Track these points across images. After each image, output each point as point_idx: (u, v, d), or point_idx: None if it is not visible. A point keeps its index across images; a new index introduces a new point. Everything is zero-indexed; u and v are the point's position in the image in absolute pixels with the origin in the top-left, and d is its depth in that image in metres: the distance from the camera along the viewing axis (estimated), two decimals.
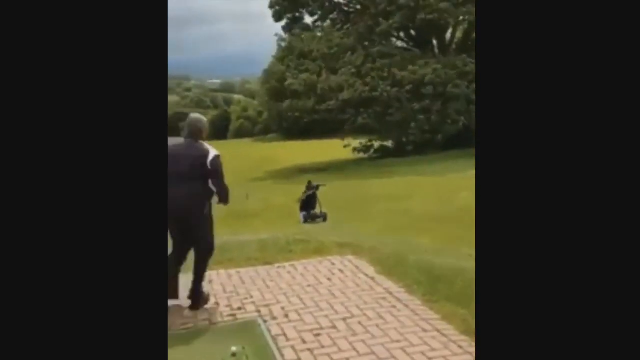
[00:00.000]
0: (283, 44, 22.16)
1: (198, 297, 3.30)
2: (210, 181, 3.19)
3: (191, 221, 3.20)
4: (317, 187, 7.56)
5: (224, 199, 3.35)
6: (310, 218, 7.05)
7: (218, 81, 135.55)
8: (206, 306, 3.40)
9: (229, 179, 3.37)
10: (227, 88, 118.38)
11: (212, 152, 3.22)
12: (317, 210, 7.09)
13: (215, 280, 3.94)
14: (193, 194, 3.15)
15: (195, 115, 3.50)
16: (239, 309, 3.35)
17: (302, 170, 20.13)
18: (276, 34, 22.35)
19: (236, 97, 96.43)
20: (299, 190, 14.07)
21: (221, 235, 6.14)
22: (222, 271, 4.15)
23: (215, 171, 3.18)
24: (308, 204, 7.46)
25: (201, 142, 3.28)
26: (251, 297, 3.55)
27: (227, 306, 3.40)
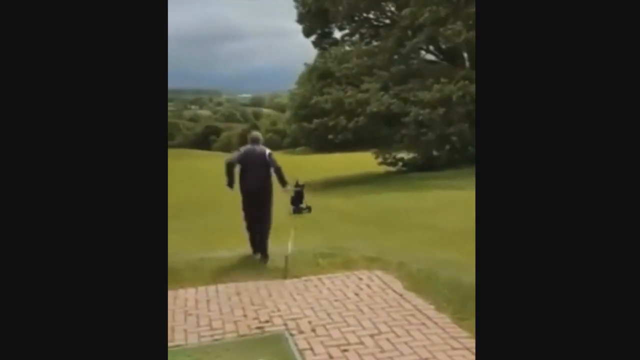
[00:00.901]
0: (313, 63, 22.38)
1: (265, 251, 4.94)
2: (271, 168, 4.87)
3: (264, 196, 4.90)
4: (303, 186, 9.67)
5: (282, 180, 5.08)
6: (298, 210, 8.80)
7: (248, 95, 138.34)
8: (233, 318, 3.43)
9: None
10: (257, 102, 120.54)
11: (268, 150, 5.01)
12: (304, 205, 9.11)
13: (243, 292, 3.98)
14: (263, 177, 4.86)
15: (255, 132, 5.66)
16: (267, 321, 3.36)
17: (330, 183, 20.14)
18: (305, 64, 22.61)
19: (265, 110, 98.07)
20: (325, 202, 14.07)
21: (247, 248, 6.20)
22: (250, 283, 4.19)
23: (273, 160, 4.87)
24: (297, 199, 9.28)
25: (260, 145, 5.05)
26: (278, 310, 3.56)
27: (254, 319, 3.42)
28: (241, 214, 5.06)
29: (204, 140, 74.85)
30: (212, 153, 60.07)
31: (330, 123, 19.23)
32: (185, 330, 3.25)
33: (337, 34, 21.95)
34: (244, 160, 4.86)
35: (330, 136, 20.23)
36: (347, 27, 21.10)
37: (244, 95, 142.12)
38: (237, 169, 4.92)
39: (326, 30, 21.79)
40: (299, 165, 29.87)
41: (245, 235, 5.15)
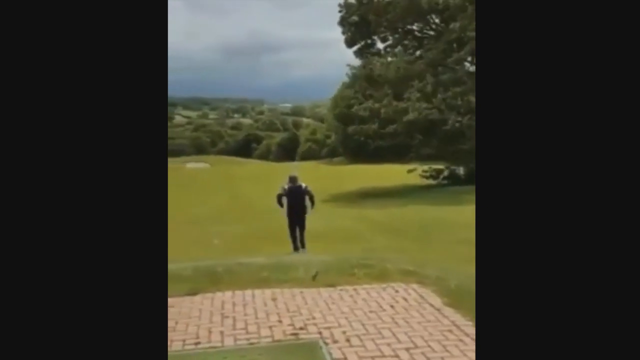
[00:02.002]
0: (354, 72, 22.52)
1: (304, 245, 7.97)
2: (307, 197, 7.92)
3: (303, 213, 7.92)
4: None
5: (313, 204, 8.10)
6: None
7: (289, 105, 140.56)
8: (269, 323, 3.48)
9: None
10: (298, 112, 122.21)
11: (304, 185, 8.00)
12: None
13: (280, 298, 4.02)
14: (301, 201, 7.90)
15: (294, 173, 8.36)
16: (301, 329, 3.38)
17: (367, 193, 20.04)
18: (348, 65, 22.75)
19: (305, 120, 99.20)
20: (362, 213, 14.01)
21: (284, 254, 6.25)
22: (286, 290, 4.23)
23: (308, 192, 7.93)
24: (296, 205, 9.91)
25: (299, 182, 7.97)
26: (313, 318, 3.57)
27: (289, 325, 3.45)
28: (286, 222, 8.12)
29: (246, 148, 76.58)
30: (252, 161, 61.37)
31: (365, 127, 19.24)
32: (221, 332, 3.33)
33: (380, 45, 21.98)
34: (289, 192, 7.93)
35: (362, 139, 20.21)
36: (390, 38, 21.09)
37: (285, 104, 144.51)
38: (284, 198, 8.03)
39: (369, 41, 21.87)
40: (336, 175, 29.89)
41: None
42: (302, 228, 8.00)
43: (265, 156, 69.59)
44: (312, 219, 12.72)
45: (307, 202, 7.90)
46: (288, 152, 65.08)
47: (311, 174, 31.96)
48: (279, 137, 77.24)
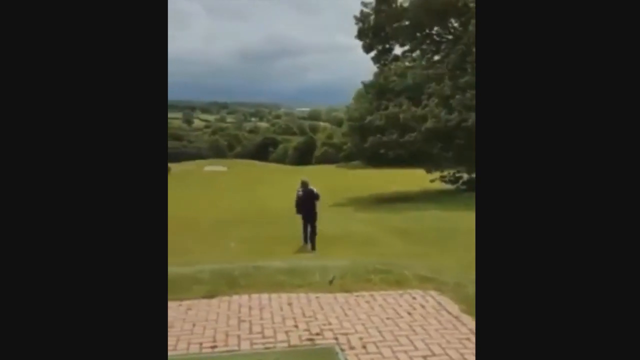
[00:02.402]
0: (368, 84, 22.45)
1: (314, 244, 9.11)
2: (315, 201, 9.31)
3: (313, 212, 9.31)
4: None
5: (318, 201, 9.47)
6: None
7: (306, 109, 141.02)
8: (285, 328, 3.48)
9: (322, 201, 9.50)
10: (314, 116, 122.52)
11: (314, 189, 9.46)
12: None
13: (295, 303, 4.02)
14: (314, 204, 9.29)
15: (305, 178, 9.84)
16: (317, 334, 3.37)
17: (384, 198, 19.94)
18: (362, 82, 22.73)
19: (322, 124, 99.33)
20: (378, 218, 13.92)
21: (301, 259, 6.25)
22: (302, 295, 4.22)
23: (317, 195, 9.36)
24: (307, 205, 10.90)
25: (310, 187, 9.38)
26: (329, 323, 3.55)
27: (305, 330, 3.44)
28: (300, 222, 9.62)
29: (263, 151, 77.12)
30: (268, 164, 61.73)
31: (384, 139, 19.12)
32: (238, 336, 3.34)
33: (398, 50, 21.90)
34: (302, 196, 9.44)
35: (382, 151, 20.11)
36: (408, 43, 20.99)
37: (302, 108, 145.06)
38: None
39: (386, 46, 21.81)
40: (353, 180, 29.68)
41: (298, 244, 9.42)
42: (313, 227, 9.31)
43: (281, 159, 69.90)
44: (329, 224, 12.74)
45: (316, 203, 9.53)
46: (304, 155, 65.23)
47: (327, 178, 31.95)
48: (295, 140, 77.55)
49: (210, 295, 4.18)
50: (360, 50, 21.88)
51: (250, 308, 3.89)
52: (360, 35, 21.32)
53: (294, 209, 9.50)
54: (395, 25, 19.98)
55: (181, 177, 40.05)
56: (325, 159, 59.14)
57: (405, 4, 20.31)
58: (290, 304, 3.97)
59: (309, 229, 9.27)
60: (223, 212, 16.41)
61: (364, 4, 21.20)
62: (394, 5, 20.54)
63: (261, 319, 3.66)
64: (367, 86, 22.84)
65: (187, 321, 3.61)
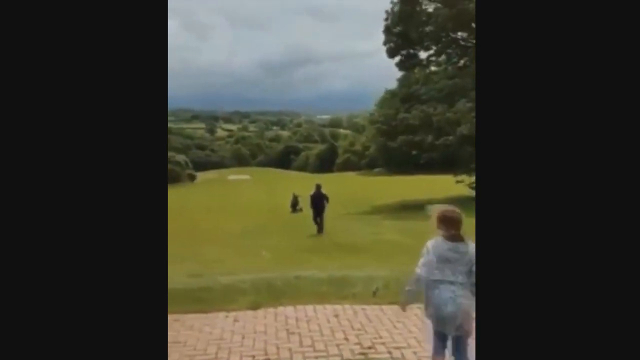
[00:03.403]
0: (392, 90, 22.34)
1: (322, 229, 12.61)
2: (324, 201, 12.73)
3: (322, 208, 12.66)
4: (297, 197, 16.26)
5: (326, 201, 12.87)
6: (294, 211, 14.78)
7: (326, 117, 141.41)
8: (335, 341, 3.41)
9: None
10: (335, 123, 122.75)
11: (324, 192, 12.79)
12: (299, 207, 15.52)
13: (341, 314, 3.95)
14: (323, 203, 12.69)
15: (319, 183, 13.32)
16: (369, 348, 3.29)
17: (410, 206, 19.67)
18: (386, 88, 22.64)
19: (342, 131, 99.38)
20: (408, 226, 13.72)
21: (334, 269, 6.17)
22: (347, 306, 4.15)
23: (325, 196, 12.70)
24: (294, 204, 16.13)
25: (322, 190, 12.84)
26: (380, 337, 3.47)
27: (356, 344, 3.36)
28: (312, 215, 12.87)
29: (284, 159, 77.83)
30: (290, 172, 62.03)
31: (416, 139, 18.86)
32: (289, 349, 3.29)
33: (423, 55, 21.72)
34: (314, 196, 12.61)
35: (414, 152, 19.84)
36: (433, 47, 20.81)
37: (322, 116, 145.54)
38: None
39: (411, 51, 21.67)
40: (377, 187, 29.37)
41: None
42: (321, 218, 12.75)
43: (303, 167, 70.19)
44: (358, 233, 12.64)
45: (325, 202, 12.76)
46: (326, 163, 65.30)
47: (351, 186, 31.80)
48: (316, 148, 77.76)
49: (255, 306, 4.15)
50: (380, 57, 21.83)
51: (297, 320, 3.84)
52: (385, 41, 21.26)
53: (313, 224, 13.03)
54: (420, 30, 19.85)
55: (206, 186, 40.60)
56: (347, 166, 59.02)
57: (430, 9, 20.19)
58: (336, 316, 3.91)
59: (318, 219, 12.82)
60: (249, 220, 16.49)
61: (388, 12, 21.19)
62: (418, 9, 20.44)
63: (309, 331, 3.61)
64: (393, 90, 22.68)
65: (236, 333, 3.59)
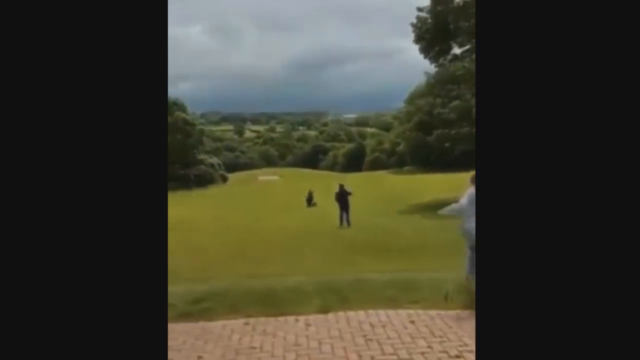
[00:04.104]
0: (431, 76, 21.93)
1: (349, 222, 14.35)
2: (347, 197, 14.72)
3: (347, 204, 14.54)
4: (312, 192, 18.74)
5: (349, 195, 14.94)
6: (310, 205, 16.83)
7: (353, 116, 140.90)
8: (418, 349, 3.25)
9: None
10: (362, 122, 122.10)
11: (349, 188, 15.00)
12: (313, 202, 17.88)
13: (417, 320, 3.77)
14: (347, 199, 14.62)
15: (343, 182, 15.82)
16: (457, 357, 3.10)
17: (447, 204, 19.13)
18: (425, 72, 22.26)
19: (369, 130, 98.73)
20: (451, 225, 13.35)
21: (391, 271, 5.98)
22: (420, 311, 3.97)
23: (349, 192, 14.69)
24: (309, 200, 18.32)
25: (346, 188, 14.93)
26: (465, 344, 3.27)
27: (442, 352, 3.18)
28: (337, 210, 14.52)
29: (312, 159, 77.96)
30: (319, 172, 62.00)
31: (452, 132, 18.45)
32: (372, 357, 3.14)
33: (457, 50, 21.23)
34: (340, 193, 14.41)
35: (447, 144, 19.42)
36: (468, 43, 20.29)
37: (349, 115, 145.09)
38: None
39: (444, 47, 21.23)
40: (409, 185, 28.87)
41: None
42: (347, 213, 14.37)
43: (331, 167, 70.10)
44: (399, 232, 12.40)
45: (349, 197, 14.55)
46: (354, 162, 64.97)
47: (382, 185, 31.40)
48: (344, 147, 77.48)
49: (325, 311, 4.03)
50: (408, 55, 21.67)
51: (371, 325, 3.69)
52: (418, 38, 20.88)
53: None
54: (454, 25, 19.39)
55: (238, 187, 41.08)
56: (375, 165, 58.52)
57: (462, 4, 19.69)
58: (412, 322, 3.73)
59: (344, 215, 14.33)
60: (286, 221, 16.49)
61: (420, 8, 20.82)
62: (450, 6, 19.98)
63: (388, 338, 3.45)
64: (430, 81, 22.25)
65: (311, 338, 3.47)
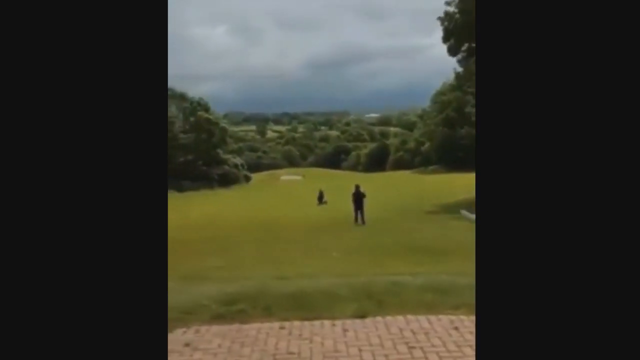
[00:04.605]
0: (460, 72, 21.49)
1: (364, 220, 15.32)
2: (362, 198, 15.72)
3: (361, 204, 15.58)
4: (322, 191, 20.81)
5: (364, 197, 15.89)
6: (320, 203, 18.77)
7: (376, 115, 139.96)
8: (467, 358, 3.05)
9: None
10: (384, 121, 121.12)
11: (362, 189, 15.87)
12: (324, 200, 20.07)
13: (461, 327, 3.57)
14: (362, 199, 15.63)
15: (358, 184, 16.32)
16: None
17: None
18: (454, 69, 21.86)
19: (392, 129, 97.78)
20: None
21: (438, 274, 5.77)
22: (463, 317, 3.77)
23: (363, 193, 15.70)
24: (320, 198, 20.12)
25: (359, 187, 15.94)
26: None
27: None
28: (352, 209, 15.68)
29: (335, 159, 77.73)
30: (341, 172, 61.80)
31: None
32: None
33: None
34: (355, 194, 15.55)
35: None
36: None
37: (371, 115, 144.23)
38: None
39: (473, 44, 20.72)
40: (436, 185, 28.45)
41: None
42: (362, 212, 15.44)
43: (354, 167, 69.74)
44: (428, 233, 12.13)
45: (364, 199, 15.63)
46: (377, 161, 64.41)
47: (409, 185, 30.99)
48: (366, 147, 76.98)
49: (361, 315, 3.87)
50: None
51: (413, 332, 3.51)
52: (446, 34, 20.47)
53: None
54: None
55: (261, 187, 41.33)
56: (399, 165, 57.90)
57: None
58: (456, 328, 3.53)
59: (358, 214, 15.46)
60: (311, 221, 16.40)
61: (448, 2, 20.41)
62: None
63: (432, 345, 3.26)
64: (453, 84, 21.84)
65: (350, 345, 3.32)
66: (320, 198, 22.95)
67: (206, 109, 45.16)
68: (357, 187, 15.80)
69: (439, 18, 20.47)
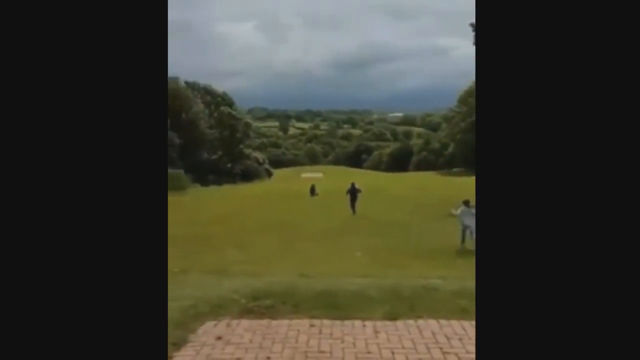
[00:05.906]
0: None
1: (355, 209, 18.17)
2: (357, 193, 18.69)
3: (355, 198, 18.43)
4: (313, 186, 24.74)
5: (358, 192, 18.88)
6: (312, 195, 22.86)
7: (399, 114, 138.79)
8: None
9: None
10: (408, 121, 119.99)
11: (357, 185, 19.06)
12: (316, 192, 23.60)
13: None
14: (356, 194, 18.57)
15: (354, 182, 19.51)
16: None
17: None
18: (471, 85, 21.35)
19: (416, 130, 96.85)
20: None
21: (454, 278, 5.64)
22: None
23: (359, 189, 18.81)
24: (312, 190, 23.92)
25: (355, 185, 18.95)
26: None
27: None
28: (348, 204, 18.26)
29: (357, 158, 77.51)
30: (363, 171, 61.49)
31: None
32: None
33: None
34: (351, 189, 18.62)
35: None
36: None
37: (395, 114, 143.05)
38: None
39: None
40: (463, 188, 28.04)
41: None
42: (355, 204, 17.89)
43: (376, 166, 69.28)
44: (454, 236, 11.91)
45: (358, 194, 18.19)
46: (399, 162, 63.82)
47: (433, 185, 30.40)
48: (389, 147, 76.36)
49: (393, 318, 3.80)
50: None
51: (447, 337, 3.42)
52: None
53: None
54: None
55: (283, 182, 41.48)
56: (422, 166, 57.23)
57: None
58: None
59: (354, 207, 17.86)
60: (330, 221, 16.34)
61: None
62: None
63: (467, 352, 3.17)
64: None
65: (382, 347, 3.25)
66: (312, 191, 25.85)
67: (230, 104, 45.61)
68: (353, 184, 18.85)
69: (471, 24, 20.06)
